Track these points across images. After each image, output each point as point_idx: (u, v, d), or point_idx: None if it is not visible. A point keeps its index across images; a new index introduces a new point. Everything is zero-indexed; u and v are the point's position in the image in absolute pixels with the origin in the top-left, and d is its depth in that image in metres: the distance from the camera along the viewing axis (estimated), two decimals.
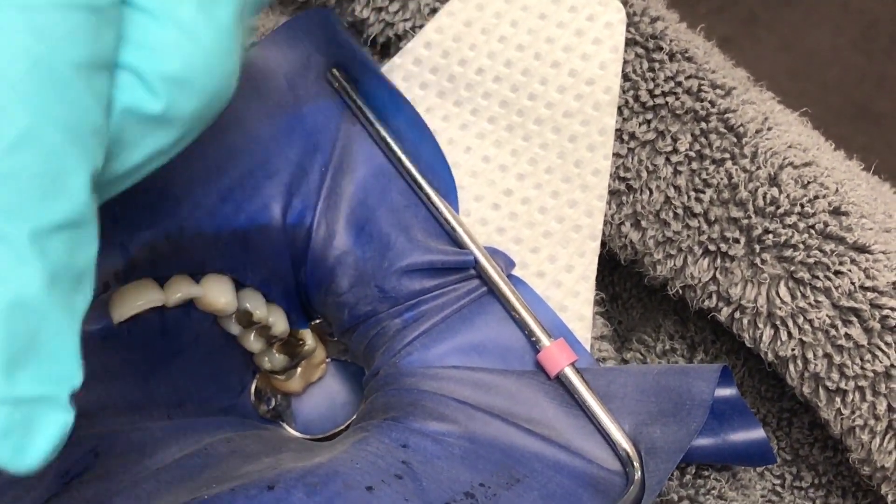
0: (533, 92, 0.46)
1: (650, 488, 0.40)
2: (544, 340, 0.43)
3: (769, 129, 0.46)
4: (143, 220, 0.40)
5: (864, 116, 0.46)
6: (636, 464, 0.41)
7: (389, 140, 0.44)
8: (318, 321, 0.48)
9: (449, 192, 0.45)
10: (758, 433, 0.43)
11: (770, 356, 0.45)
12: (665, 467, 0.40)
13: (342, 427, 0.48)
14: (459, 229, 0.44)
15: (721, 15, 0.45)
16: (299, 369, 0.48)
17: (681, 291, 0.47)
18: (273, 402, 0.48)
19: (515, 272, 0.46)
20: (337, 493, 0.36)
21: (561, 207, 0.46)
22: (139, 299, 0.40)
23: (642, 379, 0.42)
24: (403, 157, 0.44)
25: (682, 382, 0.42)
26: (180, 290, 0.41)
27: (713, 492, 0.44)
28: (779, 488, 0.49)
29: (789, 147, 0.46)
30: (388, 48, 0.49)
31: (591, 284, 0.46)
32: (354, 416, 0.46)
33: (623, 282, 0.55)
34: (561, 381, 0.43)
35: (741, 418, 0.43)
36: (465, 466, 0.39)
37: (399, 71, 0.47)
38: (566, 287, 0.46)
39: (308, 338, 0.47)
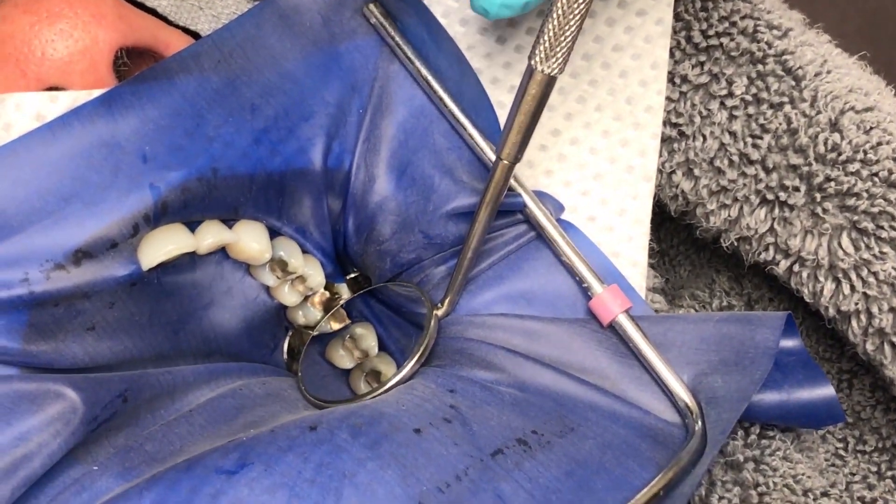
0: None
1: (713, 440, 0.39)
2: (596, 287, 0.42)
3: (828, 72, 0.45)
4: (174, 159, 0.39)
5: None
6: (696, 415, 0.40)
7: (430, 79, 0.43)
8: (353, 275, 0.47)
9: (494, 132, 0.44)
10: (825, 389, 0.42)
11: (831, 311, 0.44)
12: (728, 417, 0.39)
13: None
14: None
15: None
16: None
17: (735, 244, 0.46)
18: None
19: (565, 216, 0.45)
20: (383, 434, 0.36)
21: (612, 147, 0.45)
22: (169, 244, 0.39)
23: (702, 327, 0.41)
24: (445, 97, 0.43)
25: (745, 330, 0.41)
26: (212, 235, 0.40)
27: (778, 453, 0.43)
28: (842, 452, 0.48)
29: (850, 91, 0.45)
30: None
31: (646, 228, 0.45)
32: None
33: (670, 237, 0.54)
34: (615, 330, 0.42)
35: (806, 371, 0.42)
36: (517, 413, 0.39)
37: (438, 7, 0.46)
38: (619, 231, 0.45)
39: (344, 292, 0.47)
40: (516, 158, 0.39)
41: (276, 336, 0.46)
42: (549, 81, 0.38)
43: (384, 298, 0.47)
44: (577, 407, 0.40)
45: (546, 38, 0.37)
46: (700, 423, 0.39)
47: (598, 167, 0.45)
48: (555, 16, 0.36)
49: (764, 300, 0.50)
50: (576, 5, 0.36)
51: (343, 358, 0.47)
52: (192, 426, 0.39)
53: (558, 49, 0.37)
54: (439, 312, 0.43)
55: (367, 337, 0.47)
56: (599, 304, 0.42)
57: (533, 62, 0.37)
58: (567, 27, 0.36)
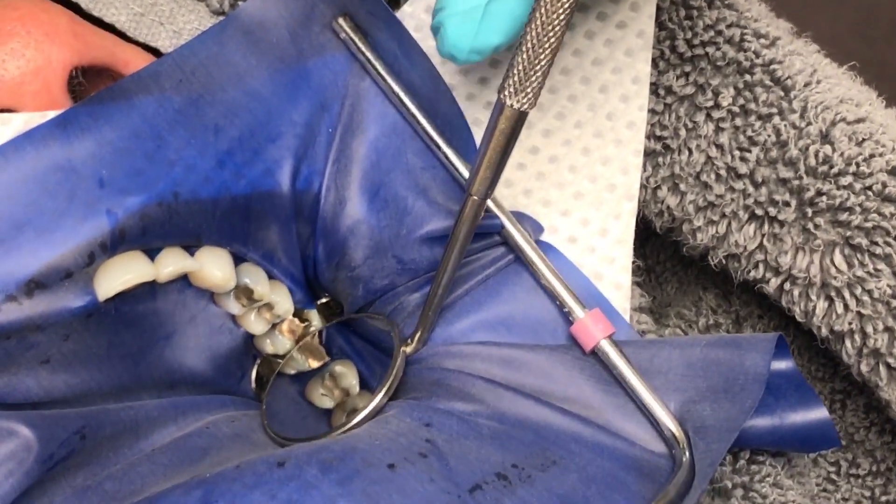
0: None
1: (701, 471, 0.38)
2: (578, 311, 0.41)
3: (818, 82, 0.45)
4: (133, 184, 0.38)
5: None
6: (683, 445, 0.39)
7: (403, 95, 0.42)
8: (324, 301, 0.46)
9: (469, 151, 0.43)
10: (819, 412, 0.42)
11: (824, 331, 0.44)
12: (717, 448, 0.38)
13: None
14: None
15: None
16: None
17: (724, 261, 0.46)
18: None
19: (544, 237, 0.45)
20: (355, 470, 0.35)
21: (593, 165, 0.45)
22: (127, 273, 0.38)
23: (689, 351, 0.41)
24: (419, 114, 0.42)
25: (734, 355, 0.40)
26: (173, 264, 0.39)
27: (768, 479, 0.43)
28: (834, 476, 0.48)
29: (841, 102, 0.45)
30: (397, 1, 0.48)
31: (629, 249, 0.44)
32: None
33: (656, 253, 0.53)
34: (598, 356, 0.41)
35: (799, 394, 0.42)
36: (496, 447, 0.38)
37: (410, 21, 0.45)
38: (601, 253, 0.44)
39: (315, 318, 0.46)
40: (486, 194, 0.39)
41: (243, 365, 0.45)
42: (520, 116, 0.37)
43: (363, 332, 0.46)
44: (560, 438, 0.39)
45: (516, 71, 0.36)
46: (688, 453, 0.39)
47: (578, 186, 0.45)
48: (524, 49, 0.35)
49: (753, 317, 0.50)
50: (547, 39, 0.35)
51: (323, 398, 0.46)
52: (156, 465, 0.38)
53: (529, 84, 0.36)
54: (408, 349, 0.42)
55: (348, 375, 0.46)
56: (581, 329, 0.41)
57: (503, 96, 0.36)
58: (538, 61, 0.35)
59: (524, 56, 0.35)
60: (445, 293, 0.41)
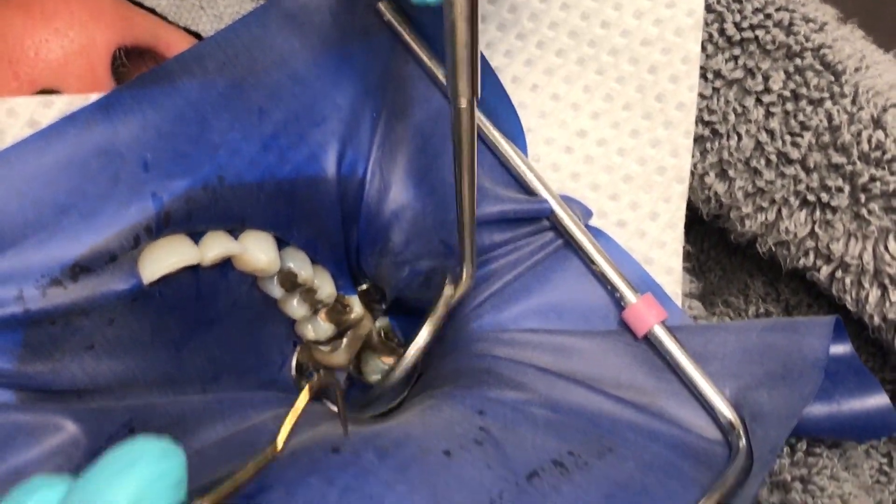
0: (605, 19, 0.44)
1: (761, 459, 0.38)
2: (630, 297, 0.41)
3: (868, 67, 0.45)
4: (178, 167, 0.38)
5: None
6: (739, 432, 0.39)
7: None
8: (365, 287, 0.46)
9: (516, 135, 0.43)
10: (879, 398, 0.41)
11: (876, 320, 0.43)
12: (776, 435, 0.38)
13: (395, 403, 0.45)
14: (530, 174, 0.42)
15: None
16: (345, 340, 0.46)
17: (773, 249, 0.45)
18: (316, 378, 0.46)
19: (593, 222, 0.44)
20: (412, 456, 0.35)
21: (642, 147, 0.44)
22: (172, 256, 0.38)
23: (744, 336, 0.40)
24: None
25: (791, 340, 0.40)
26: (217, 247, 0.39)
27: (825, 471, 0.42)
28: (886, 468, 0.47)
29: (891, 87, 0.44)
30: None
31: (679, 233, 0.44)
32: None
33: (700, 241, 0.53)
34: (650, 342, 0.41)
35: (857, 379, 0.42)
36: (550, 435, 0.38)
37: None
38: (651, 237, 0.44)
39: (355, 305, 0.46)
40: (472, 94, 0.35)
41: (283, 352, 0.45)
42: (470, 3, 0.34)
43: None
44: (615, 426, 0.39)
45: None
46: (744, 440, 0.39)
47: (627, 169, 0.44)
48: None
49: (802, 306, 0.49)
50: None
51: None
52: (203, 458, 0.38)
53: None
54: (459, 290, 0.41)
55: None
56: (633, 314, 0.41)
57: None
58: None
59: None
60: (473, 220, 0.39)
